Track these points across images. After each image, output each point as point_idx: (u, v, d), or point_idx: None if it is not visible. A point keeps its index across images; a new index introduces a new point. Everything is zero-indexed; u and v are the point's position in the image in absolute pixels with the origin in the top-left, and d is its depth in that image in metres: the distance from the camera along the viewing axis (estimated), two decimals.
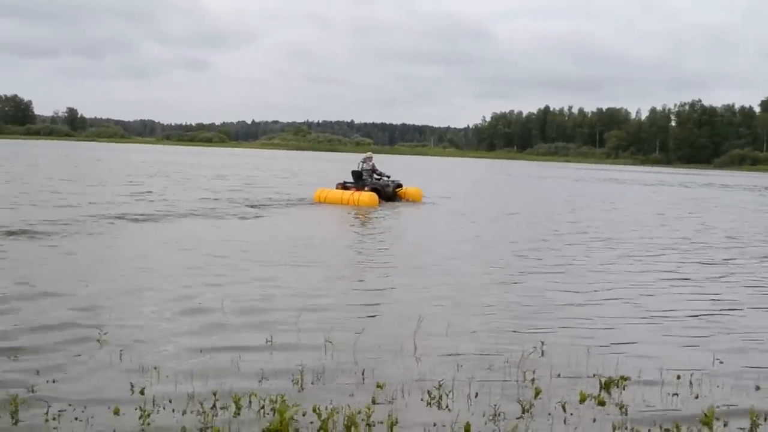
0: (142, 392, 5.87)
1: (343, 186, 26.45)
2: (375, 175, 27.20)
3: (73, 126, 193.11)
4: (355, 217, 21.97)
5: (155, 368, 6.46)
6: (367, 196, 24.83)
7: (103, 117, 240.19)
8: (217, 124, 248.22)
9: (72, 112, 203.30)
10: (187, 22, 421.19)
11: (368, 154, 28.72)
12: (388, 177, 27.69)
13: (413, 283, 11.14)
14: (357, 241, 16.77)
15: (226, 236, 15.50)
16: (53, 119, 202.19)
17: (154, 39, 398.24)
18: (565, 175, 71.41)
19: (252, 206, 22.83)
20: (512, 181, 55.53)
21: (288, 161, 79.39)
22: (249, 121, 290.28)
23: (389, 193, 26.84)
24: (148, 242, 14.19)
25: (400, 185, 27.77)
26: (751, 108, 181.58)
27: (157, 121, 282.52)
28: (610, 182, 58.97)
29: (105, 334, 7.39)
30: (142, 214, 18.48)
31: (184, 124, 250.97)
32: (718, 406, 5.94)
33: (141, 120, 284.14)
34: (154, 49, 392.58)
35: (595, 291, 11.11)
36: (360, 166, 27.17)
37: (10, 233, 14.11)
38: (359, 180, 26.74)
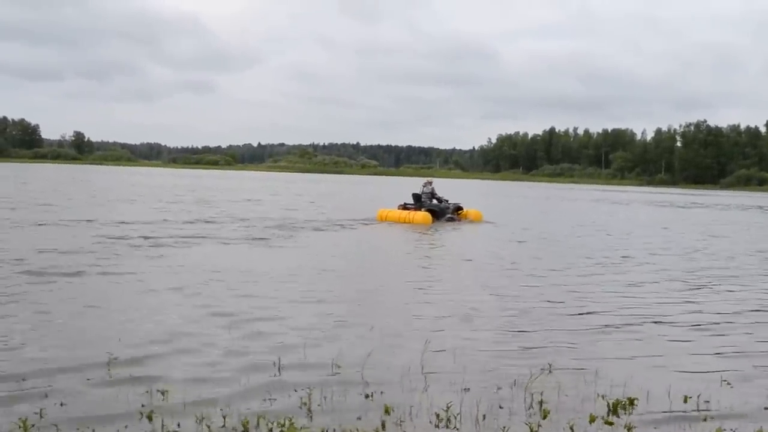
0: (150, 417, 5.88)
1: (404, 207, 29.28)
2: (434, 199, 29.61)
3: (79, 149, 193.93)
4: (400, 235, 23.66)
5: (163, 392, 6.47)
6: (421, 216, 27.53)
7: (110, 140, 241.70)
8: (223, 146, 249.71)
9: (78, 135, 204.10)
10: (193, 44, 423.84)
11: (429, 179, 31.40)
12: (447, 200, 30.11)
13: (422, 304, 11.14)
14: (380, 260, 16.76)
15: (263, 258, 15.54)
16: (60, 143, 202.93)
17: (160, 62, 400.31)
18: (593, 197, 71.37)
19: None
20: (545, 202, 55.38)
21: (320, 185, 79.58)
22: (255, 144, 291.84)
23: (448, 215, 29.23)
24: (172, 266, 14.22)
25: (460, 207, 30.20)
26: (756, 128, 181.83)
27: (163, 144, 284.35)
28: (641, 204, 58.97)
29: (114, 358, 7.41)
30: (193, 236, 18.55)
31: (190, 147, 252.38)
32: (725, 429, 5.92)
33: (147, 143, 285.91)
34: (159, 71, 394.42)
35: (601, 312, 11.09)
36: (421, 190, 29.78)
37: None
38: (418, 202, 29.45)
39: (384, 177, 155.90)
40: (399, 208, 29.18)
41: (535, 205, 51.14)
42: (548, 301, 11.84)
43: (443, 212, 29.27)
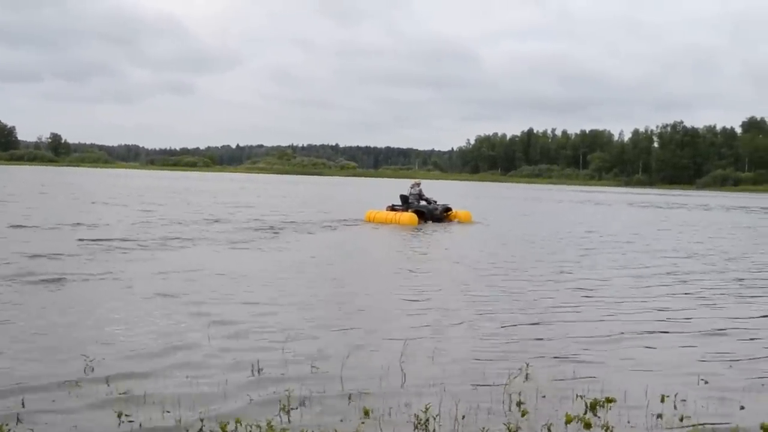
0: (129, 420, 5.86)
1: (392, 208, 29.62)
2: (422, 200, 30.05)
3: (56, 151, 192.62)
4: (385, 237, 23.96)
5: (142, 396, 6.45)
6: (407, 217, 27.93)
7: (87, 142, 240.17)
8: (201, 148, 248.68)
9: (55, 137, 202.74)
10: (172, 45, 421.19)
11: (416, 180, 32.16)
12: (435, 201, 30.44)
13: (401, 305, 11.16)
14: (362, 261, 16.75)
15: (245, 261, 15.49)
16: (37, 145, 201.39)
17: (139, 63, 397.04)
18: (576, 199, 71.70)
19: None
20: (530, 204, 55.51)
21: (301, 187, 79.40)
22: (233, 146, 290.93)
23: (437, 216, 29.55)
24: (147, 269, 14.14)
25: (449, 209, 30.45)
26: (732, 129, 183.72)
27: (141, 146, 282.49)
28: (624, 205, 59.30)
29: (92, 361, 7.37)
30: (189, 237, 18.46)
31: (168, 148, 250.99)
32: (702, 425, 5.97)
33: (125, 145, 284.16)
34: (138, 73, 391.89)
35: (581, 313, 11.15)
36: (409, 192, 30.23)
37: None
38: (406, 203, 29.88)
39: (363, 178, 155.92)
40: (387, 210, 29.51)
41: (519, 206, 51.34)
42: (527, 302, 11.87)
43: (431, 213, 29.59)
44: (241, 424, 5.75)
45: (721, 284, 14.69)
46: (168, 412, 6.11)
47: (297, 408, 6.32)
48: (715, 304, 12.31)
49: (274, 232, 22.72)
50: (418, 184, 30.84)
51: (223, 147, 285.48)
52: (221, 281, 12.88)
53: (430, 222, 29.03)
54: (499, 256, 18.73)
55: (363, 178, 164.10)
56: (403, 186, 35.60)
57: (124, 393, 6.53)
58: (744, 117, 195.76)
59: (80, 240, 18.07)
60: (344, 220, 28.89)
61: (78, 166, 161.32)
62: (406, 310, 10.87)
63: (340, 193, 65.51)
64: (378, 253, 19.29)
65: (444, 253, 19.54)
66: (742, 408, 6.71)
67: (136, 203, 35.82)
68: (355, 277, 14.44)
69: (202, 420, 5.85)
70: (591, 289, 13.37)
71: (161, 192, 50.95)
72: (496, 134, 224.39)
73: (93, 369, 7.21)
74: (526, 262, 17.39)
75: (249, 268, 14.77)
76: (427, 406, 6.16)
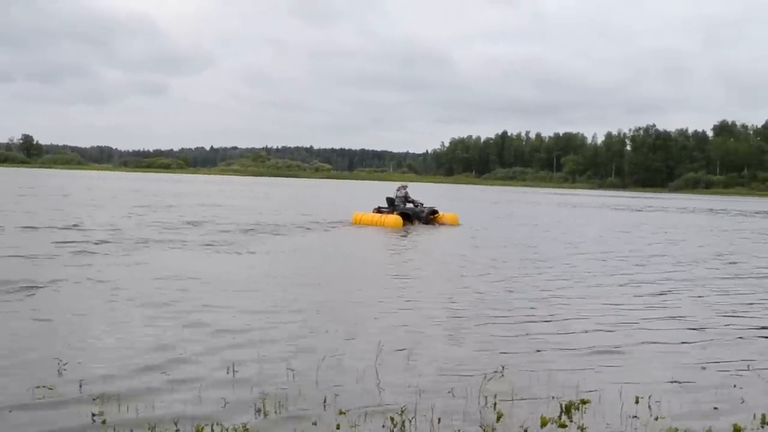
0: (103, 422, 5.82)
1: (378, 210, 29.97)
2: (408, 203, 30.37)
3: (28, 153, 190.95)
4: (369, 239, 24.14)
5: (116, 398, 6.40)
6: (392, 219, 28.27)
7: (59, 143, 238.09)
8: (175, 150, 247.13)
9: (27, 138, 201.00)
10: (145, 46, 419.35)
11: (403, 183, 32.31)
12: (422, 204, 30.83)
13: (376, 307, 11.16)
14: (341, 263, 16.69)
15: (210, 264, 15.41)
16: (8, 146, 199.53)
17: (111, 64, 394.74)
18: (553, 201, 72.10)
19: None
20: (511, 206, 55.70)
21: (279, 189, 79.16)
22: (207, 147, 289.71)
23: (423, 218, 29.88)
24: (127, 269, 14.04)
25: (435, 211, 30.71)
26: (704, 132, 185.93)
27: (114, 147, 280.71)
28: (601, 208, 59.61)
29: (65, 364, 7.30)
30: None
31: (141, 150, 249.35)
32: (677, 429, 6.01)
33: (98, 146, 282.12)
34: (111, 74, 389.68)
35: (557, 316, 11.19)
36: (395, 194, 30.59)
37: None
38: (392, 205, 30.29)
39: (338, 180, 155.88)
40: (373, 212, 29.84)
41: (500, 208, 51.43)
42: (504, 305, 11.91)
43: (417, 215, 29.97)
44: (218, 426, 5.73)
45: (699, 288, 14.78)
46: (141, 414, 6.07)
47: (272, 410, 6.30)
48: (690, 307, 12.40)
49: (256, 235, 22.66)
50: (405, 187, 31.22)
51: (196, 149, 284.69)
52: (198, 284, 12.80)
53: (416, 224, 29.40)
54: (480, 258, 18.76)
55: (338, 180, 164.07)
56: (380, 187, 35.82)
57: (97, 396, 6.47)
58: (715, 120, 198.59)
59: (55, 243, 17.88)
60: (332, 222, 29.19)
61: (50, 167, 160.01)
62: (383, 312, 10.86)
63: (319, 195, 65.39)
64: (358, 255, 19.25)
65: (424, 256, 19.58)
66: (716, 409, 6.77)
67: (113, 205, 35.54)
68: (332, 279, 14.39)
69: (176, 423, 5.82)
70: (568, 293, 13.41)
71: (138, 194, 50.60)
72: (470, 137, 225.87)
73: (65, 371, 7.15)
74: (506, 264, 17.41)
75: (227, 270, 14.71)
76: (403, 408, 6.17)
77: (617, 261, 18.97)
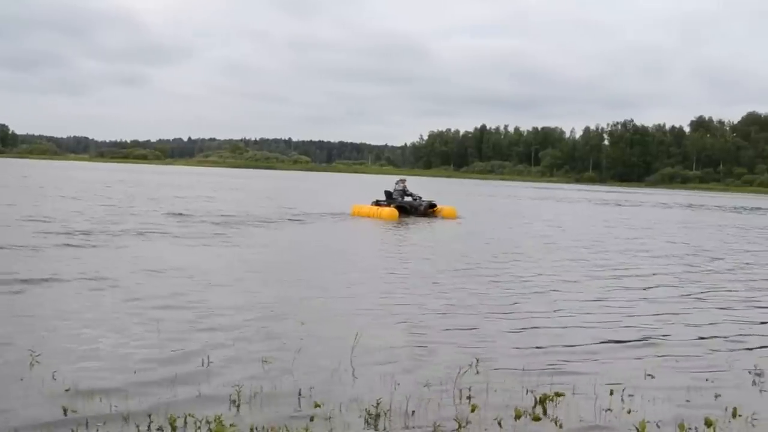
0: (75, 413, 5.78)
1: (377, 203, 30.79)
2: (407, 196, 31.24)
3: (3, 142, 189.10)
4: (363, 231, 24.82)
5: (88, 390, 6.36)
6: (387, 212, 29.08)
7: (36, 133, 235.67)
8: (152, 141, 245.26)
9: (2, 128, 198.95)
10: (123, 36, 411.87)
11: (402, 177, 33.90)
12: (420, 198, 31.62)
13: (351, 300, 11.17)
14: (325, 255, 16.64)
15: (190, 255, 15.34)
16: None
17: (89, 54, 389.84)
18: (539, 195, 72.36)
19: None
20: (501, 201, 55.79)
21: (265, 181, 78.87)
22: (185, 138, 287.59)
23: (420, 211, 30.61)
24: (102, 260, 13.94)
25: (434, 205, 31.36)
26: (681, 128, 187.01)
27: (91, 137, 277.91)
28: (585, 203, 59.86)
29: (38, 355, 7.24)
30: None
31: (118, 141, 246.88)
32: (649, 420, 6.06)
33: (74, 137, 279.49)
34: (88, 63, 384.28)
35: (533, 309, 11.24)
36: (393, 188, 31.52)
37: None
38: (390, 198, 31.16)
39: (317, 173, 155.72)
40: (372, 205, 30.62)
41: (487, 202, 51.52)
42: (480, 297, 11.95)
43: (414, 209, 30.69)
44: (192, 418, 5.71)
45: (679, 284, 14.88)
46: (116, 406, 6.04)
47: (247, 403, 6.29)
48: (666, 302, 12.49)
49: (261, 225, 23.13)
50: (403, 181, 32.13)
51: (174, 140, 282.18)
52: (175, 276, 12.75)
53: (413, 217, 29.97)
54: (469, 251, 18.85)
55: (316, 172, 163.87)
56: (363, 180, 36.12)
57: (70, 388, 6.42)
58: (692, 116, 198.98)
59: (34, 234, 17.73)
60: (332, 213, 30.07)
61: (26, 157, 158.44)
62: (360, 305, 10.87)
63: (310, 188, 65.21)
64: (345, 249, 19.19)
65: (412, 249, 19.69)
66: (687, 401, 6.83)
67: (93, 197, 35.28)
68: (313, 273, 14.32)
69: (150, 415, 5.79)
70: (549, 288, 13.46)
71: (119, 185, 50.25)
72: (449, 130, 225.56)
73: (38, 361, 7.09)
74: (492, 258, 17.46)
75: (209, 263, 14.68)
76: (378, 401, 6.18)
77: (603, 256, 19.08)
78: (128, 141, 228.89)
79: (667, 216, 43.24)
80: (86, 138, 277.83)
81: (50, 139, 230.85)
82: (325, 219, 27.70)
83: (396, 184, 31.88)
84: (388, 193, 31.54)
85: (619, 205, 57.10)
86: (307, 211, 30.88)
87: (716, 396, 7.02)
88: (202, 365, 7.32)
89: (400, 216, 29.19)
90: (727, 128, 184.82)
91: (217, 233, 20.29)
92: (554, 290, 13.01)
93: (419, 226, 26.68)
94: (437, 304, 11.18)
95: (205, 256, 15.80)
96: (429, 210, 30.94)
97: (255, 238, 19.72)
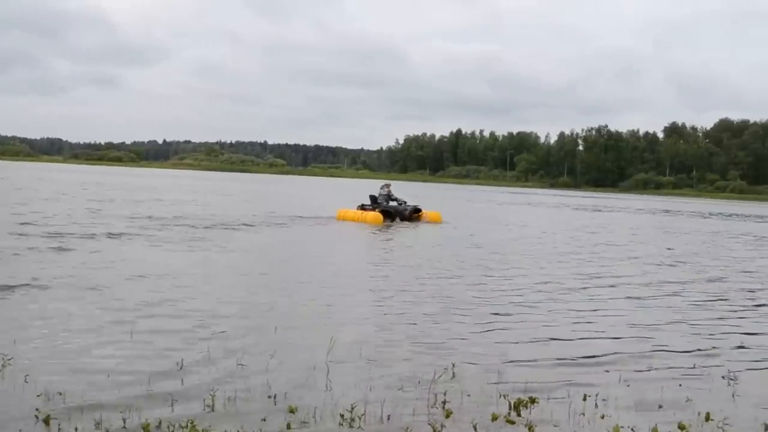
0: (46, 421, 5.72)
1: (362, 207, 30.94)
2: (392, 201, 31.50)
3: None
4: (343, 234, 25.00)
5: (60, 394, 6.30)
6: (372, 216, 29.27)
7: (8, 134, 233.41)
8: (127, 143, 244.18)
9: None
10: (96, 37, 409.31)
11: (386, 182, 34.09)
12: (405, 202, 31.93)
13: (327, 304, 11.13)
14: (302, 259, 16.57)
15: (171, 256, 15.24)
16: None
17: (62, 54, 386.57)
18: (521, 201, 72.52)
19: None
20: (484, 205, 55.95)
21: (243, 184, 78.48)
22: (160, 141, 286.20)
23: (405, 215, 30.97)
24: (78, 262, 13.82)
25: (418, 209, 31.78)
26: (655, 133, 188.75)
27: (64, 139, 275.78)
28: (566, 208, 60.07)
29: (9, 359, 7.17)
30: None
31: (93, 142, 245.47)
32: (623, 426, 6.09)
33: (48, 138, 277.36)
34: (61, 64, 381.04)
35: (509, 315, 11.27)
36: (378, 193, 31.74)
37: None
38: (374, 203, 31.32)
39: (292, 176, 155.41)
40: (357, 209, 30.83)
41: (469, 207, 51.58)
42: (458, 302, 11.95)
43: (399, 213, 31.05)
44: (165, 423, 5.67)
45: (653, 286, 14.99)
46: (89, 410, 5.99)
47: (222, 406, 6.26)
48: (640, 305, 12.57)
49: (242, 229, 23.04)
50: (388, 186, 32.41)
51: (149, 142, 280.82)
52: (152, 279, 12.66)
53: (398, 221, 30.37)
54: (449, 255, 18.85)
55: (292, 176, 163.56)
56: (340, 183, 36.05)
57: (40, 394, 6.36)
58: (666, 122, 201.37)
59: (12, 235, 17.57)
60: (317, 217, 30.24)
61: None
62: (335, 309, 10.85)
63: (280, 191, 65.04)
64: (325, 253, 19.08)
65: (392, 253, 19.66)
66: (660, 407, 6.87)
67: (70, 199, 34.96)
68: (291, 276, 14.30)
69: (124, 420, 5.75)
70: (526, 293, 13.49)
71: (96, 187, 49.80)
72: (425, 134, 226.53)
73: (11, 364, 7.02)
74: (472, 263, 17.46)
75: (189, 266, 14.57)
76: (353, 405, 6.17)
77: (584, 262, 19.12)
78: (102, 143, 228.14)
79: (646, 222, 43.53)
80: (60, 139, 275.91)
81: (23, 140, 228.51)
82: (308, 223, 27.78)
83: (381, 188, 32.15)
84: (373, 198, 31.74)
85: (598, 210, 57.40)
86: (289, 214, 30.90)
87: (688, 400, 7.08)
88: (177, 368, 7.28)
89: (384, 220, 29.49)
90: (700, 134, 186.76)
91: (196, 237, 20.19)
92: (534, 297, 13.01)
93: (403, 231, 26.79)
94: (414, 309, 11.18)
95: (183, 259, 15.69)
96: (414, 214, 31.31)
97: (236, 242, 19.61)
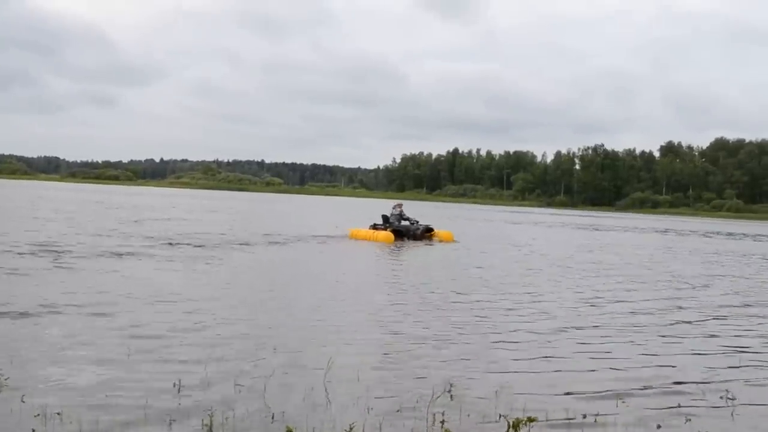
0: None
1: (374, 227, 31.37)
2: (404, 220, 31.98)
3: None
4: (353, 253, 25.15)
5: (59, 414, 6.28)
6: (383, 235, 29.75)
7: (5, 153, 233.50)
8: (124, 161, 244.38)
9: None
10: (95, 56, 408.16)
11: (398, 202, 35.08)
12: (417, 222, 32.42)
13: (327, 324, 11.11)
14: (303, 278, 16.51)
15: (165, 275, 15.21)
16: None
17: (60, 73, 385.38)
18: (528, 220, 72.53)
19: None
20: (481, 224, 56.00)
21: (244, 203, 78.46)
22: (157, 159, 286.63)
23: (417, 235, 31.38)
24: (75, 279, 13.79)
25: (430, 229, 32.17)
26: (651, 152, 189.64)
27: (62, 157, 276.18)
28: (568, 228, 60.08)
29: (6, 379, 7.14)
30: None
31: (90, 161, 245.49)
32: None
33: (45, 156, 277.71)
34: (59, 83, 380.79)
35: (507, 335, 11.26)
36: (390, 212, 32.36)
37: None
38: (386, 222, 31.80)
39: (289, 195, 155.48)
40: (369, 228, 31.31)
41: (473, 225, 51.53)
42: (455, 323, 11.91)
43: (411, 232, 31.47)
44: None
45: (653, 307, 14.94)
46: (84, 430, 5.96)
47: (219, 427, 6.23)
48: (637, 327, 12.53)
49: (237, 248, 22.78)
50: (400, 206, 32.92)
51: (146, 160, 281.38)
52: (151, 298, 12.61)
53: (410, 240, 30.77)
54: (457, 276, 18.77)
55: (289, 194, 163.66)
56: (338, 202, 36.09)
57: (39, 412, 6.34)
58: (662, 141, 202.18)
59: (12, 254, 17.55)
60: (330, 236, 30.66)
61: None
62: (334, 329, 10.82)
63: (279, 209, 65.05)
64: (331, 271, 19.00)
65: (398, 272, 19.70)
66: (659, 427, 6.85)
67: (70, 219, 34.93)
68: (292, 296, 14.23)
69: None
70: (526, 312, 13.47)
71: (95, 206, 49.79)
72: (421, 153, 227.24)
73: (7, 384, 6.99)
74: (479, 282, 17.39)
75: (187, 285, 14.50)
76: (352, 425, 6.14)
77: (588, 282, 19.11)
78: (99, 161, 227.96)
79: (652, 242, 43.56)
80: (57, 158, 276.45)
81: (20, 158, 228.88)
82: (319, 241, 28.09)
83: (393, 208, 32.61)
84: (385, 218, 32.19)
85: (600, 230, 57.36)
86: (297, 233, 31.09)
87: (687, 420, 7.06)
88: (174, 389, 7.25)
89: (396, 240, 29.85)
90: (696, 153, 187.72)
91: (198, 256, 20.12)
92: (535, 317, 12.97)
93: (414, 250, 27.02)
94: (414, 329, 11.15)
95: (183, 278, 15.65)
96: (426, 234, 31.68)
97: (240, 261, 19.60)
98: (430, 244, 29.89)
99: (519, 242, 35.30)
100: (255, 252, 22.47)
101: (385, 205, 33.18)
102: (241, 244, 24.37)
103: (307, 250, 24.13)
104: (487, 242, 34.32)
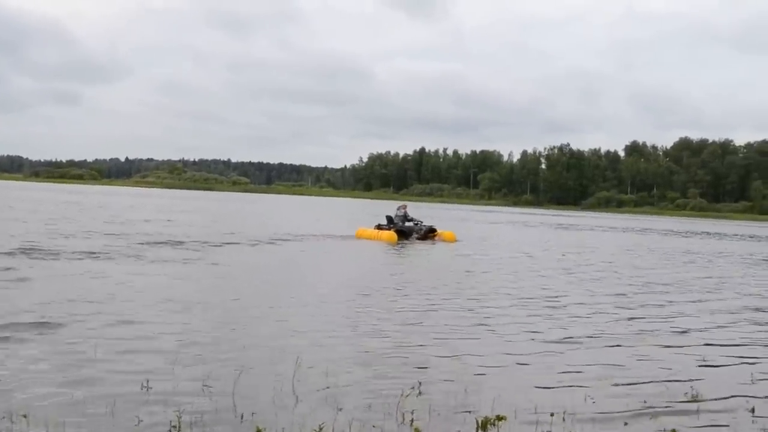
0: None
1: (378, 227, 32.52)
2: (408, 221, 32.87)
3: None
4: (352, 252, 25.81)
5: (24, 416, 6.20)
6: (387, 235, 30.74)
7: None
8: (89, 160, 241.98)
9: None
10: (58, 53, 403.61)
11: (403, 203, 35.86)
12: (421, 222, 33.36)
13: (296, 323, 11.07)
14: (280, 277, 16.44)
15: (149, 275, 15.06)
16: None
17: (22, 71, 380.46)
18: (502, 219, 72.60)
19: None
20: (470, 224, 56.08)
21: (220, 203, 77.85)
22: (122, 158, 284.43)
23: (420, 235, 32.15)
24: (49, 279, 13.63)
25: (433, 229, 33.01)
26: (616, 152, 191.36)
27: (24, 156, 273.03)
28: (545, 227, 60.28)
29: None
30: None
31: (54, 160, 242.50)
32: None
33: (7, 156, 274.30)
34: (21, 81, 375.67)
35: (474, 332, 11.30)
36: (395, 213, 33.29)
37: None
38: (390, 223, 32.84)
39: (256, 194, 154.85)
40: (375, 228, 32.45)
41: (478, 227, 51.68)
42: (425, 322, 11.92)
43: (412, 232, 32.38)
44: None
45: (625, 307, 15.04)
46: None
47: (187, 428, 6.20)
48: (610, 327, 12.60)
49: (217, 246, 22.67)
50: (404, 207, 33.86)
51: (111, 159, 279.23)
52: (121, 298, 12.49)
53: (413, 241, 31.54)
54: (431, 276, 18.77)
55: (256, 194, 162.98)
56: (306, 201, 36.04)
57: (4, 411, 6.26)
58: (627, 141, 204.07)
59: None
60: (339, 235, 31.89)
61: None
62: (303, 328, 10.78)
63: (248, 209, 64.71)
64: (315, 271, 18.89)
65: (392, 272, 19.67)
66: (626, 424, 6.92)
67: (40, 218, 34.52)
68: (261, 294, 14.12)
69: None
70: (500, 310, 13.52)
71: (72, 207, 49.18)
72: (388, 152, 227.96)
73: None
74: (446, 282, 17.33)
75: (159, 286, 14.36)
76: (321, 425, 6.14)
77: (563, 279, 19.28)
78: (64, 160, 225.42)
79: (624, 241, 43.93)
80: (20, 157, 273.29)
81: None
82: (329, 239, 29.03)
83: (397, 210, 33.47)
84: (389, 218, 33.13)
85: (565, 228, 57.81)
86: (300, 233, 31.80)
87: (652, 417, 7.14)
88: (142, 389, 7.20)
89: (399, 240, 30.58)
90: (660, 153, 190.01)
91: (171, 255, 19.95)
92: (509, 317, 12.98)
93: (415, 250, 27.46)
94: (381, 327, 11.16)
95: (156, 279, 15.49)
96: (429, 234, 32.43)
97: (221, 260, 19.46)
98: (433, 244, 30.44)
99: (521, 242, 35.75)
100: (228, 253, 22.30)
101: (353, 205, 33.21)
102: (223, 244, 24.19)
103: (315, 248, 24.82)
104: (488, 243, 34.68)
